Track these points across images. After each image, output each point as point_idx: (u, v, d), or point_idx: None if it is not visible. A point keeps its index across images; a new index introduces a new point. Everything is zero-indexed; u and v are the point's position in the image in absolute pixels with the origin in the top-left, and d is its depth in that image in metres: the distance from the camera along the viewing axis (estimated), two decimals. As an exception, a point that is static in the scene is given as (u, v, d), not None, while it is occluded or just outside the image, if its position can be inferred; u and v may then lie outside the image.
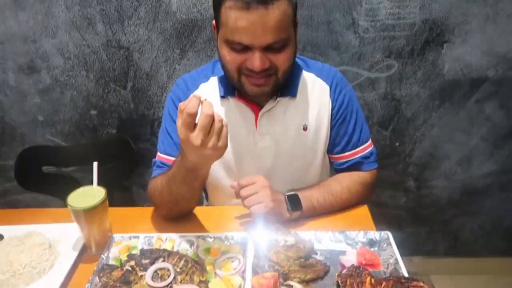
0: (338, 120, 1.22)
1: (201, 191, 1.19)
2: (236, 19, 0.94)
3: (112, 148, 1.85)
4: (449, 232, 2.17)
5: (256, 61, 0.99)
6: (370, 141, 1.27)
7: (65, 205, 1.81)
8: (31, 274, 0.97)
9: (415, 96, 1.78)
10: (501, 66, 1.70)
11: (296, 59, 1.21)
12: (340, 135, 1.23)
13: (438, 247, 2.23)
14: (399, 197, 2.06)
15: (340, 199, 1.17)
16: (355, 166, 1.25)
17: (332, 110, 1.21)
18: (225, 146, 0.90)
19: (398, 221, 2.14)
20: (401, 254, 2.34)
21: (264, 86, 1.07)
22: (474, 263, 2.23)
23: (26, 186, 1.70)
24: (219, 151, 0.90)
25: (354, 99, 1.25)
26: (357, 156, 1.24)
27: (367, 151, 1.25)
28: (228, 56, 1.03)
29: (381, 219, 2.09)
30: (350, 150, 1.24)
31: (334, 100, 1.21)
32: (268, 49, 0.99)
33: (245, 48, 0.99)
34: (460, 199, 2.04)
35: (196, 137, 0.84)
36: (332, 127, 1.23)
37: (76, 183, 1.82)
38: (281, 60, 1.03)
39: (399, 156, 1.94)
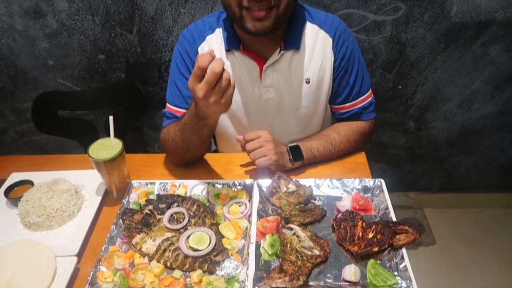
0: (340, 72, 1.26)
1: (210, 139, 1.27)
2: None
3: (122, 92, 1.91)
4: (445, 170, 2.28)
5: None
6: (370, 91, 1.32)
7: (80, 147, 1.93)
8: (62, 217, 1.10)
9: (420, 39, 1.78)
10: (510, 8, 1.67)
11: (300, 7, 1.23)
12: (341, 87, 1.28)
13: (433, 183, 2.36)
14: (399, 137, 2.14)
15: (339, 148, 1.25)
16: (355, 115, 1.32)
17: (334, 62, 1.24)
18: (228, 103, 0.96)
19: (397, 159, 2.24)
20: (398, 190, 2.49)
21: (264, 21, 1.07)
22: (466, 198, 2.38)
23: (43, 129, 1.80)
24: (222, 107, 0.97)
25: (356, 49, 1.27)
26: (357, 106, 1.30)
27: (367, 101, 1.30)
28: None
29: (381, 158, 2.20)
30: (351, 101, 1.30)
31: (336, 52, 1.24)
32: None
33: None
34: (457, 139, 2.12)
35: (200, 89, 0.91)
36: (334, 79, 1.27)
37: (89, 125, 1.92)
38: None
39: (401, 98, 1.99)
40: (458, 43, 1.78)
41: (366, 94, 1.31)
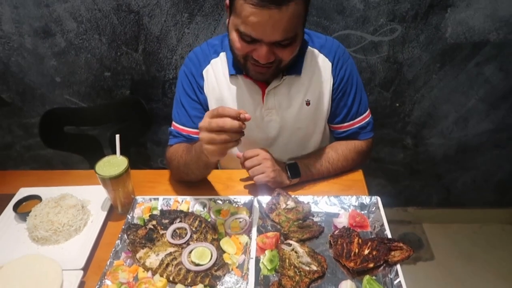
0: (338, 94, 1.30)
1: (209, 172, 1.32)
2: (250, 14, 0.98)
3: (127, 109, 1.97)
4: (443, 185, 2.32)
5: (262, 54, 1.06)
6: (368, 111, 1.36)
7: (85, 161, 1.98)
8: (69, 232, 1.13)
9: (416, 59, 1.83)
10: (503, 30, 1.72)
11: None
12: (340, 107, 1.33)
13: (431, 199, 2.39)
14: (397, 153, 2.19)
15: (336, 166, 1.29)
16: (353, 135, 1.36)
17: (333, 85, 1.29)
18: (222, 154, 1.04)
19: (395, 175, 2.28)
20: (397, 205, 2.52)
21: (265, 74, 1.17)
22: (464, 213, 2.41)
23: (50, 145, 1.85)
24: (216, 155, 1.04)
25: (354, 72, 1.32)
26: (354, 126, 1.34)
27: (364, 121, 1.35)
28: (237, 43, 1.09)
29: (379, 174, 2.24)
30: (349, 121, 1.34)
31: (335, 75, 1.29)
32: (275, 44, 1.06)
33: (254, 40, 1.05)
34: (455, 155, 2.16)
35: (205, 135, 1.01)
36: (333, 100, 1.32)
37: (94, 140, 1.97)
38: (286, 54, 1.10)
39: (398, 115, 2.03)
40: (454, 62, 1.84)
41: (364, 115, 1.35)
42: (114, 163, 1.17)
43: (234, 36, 1.09)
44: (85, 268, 1.04)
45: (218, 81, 1.29)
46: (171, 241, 1.08)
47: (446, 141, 2.11)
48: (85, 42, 1.85)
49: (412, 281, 2.09)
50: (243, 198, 1.21)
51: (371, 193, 1.25)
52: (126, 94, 2.02)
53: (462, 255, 2.26)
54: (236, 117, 0.97)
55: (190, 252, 1.04)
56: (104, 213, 1.21)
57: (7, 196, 1.28)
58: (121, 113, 1.96)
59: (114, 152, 1.19)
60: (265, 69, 1.13)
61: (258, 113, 1.30)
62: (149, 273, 1.01)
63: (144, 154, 2.25)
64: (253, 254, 1.02)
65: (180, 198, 1.24)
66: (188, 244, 1.07)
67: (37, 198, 1.25)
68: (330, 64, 1.28)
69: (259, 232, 1.10)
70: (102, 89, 2.00)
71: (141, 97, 1.95)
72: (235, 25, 1.06)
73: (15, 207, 1.21)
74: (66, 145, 1.92)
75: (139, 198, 1.23)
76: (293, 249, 1.03)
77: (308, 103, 1.29)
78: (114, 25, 1.80)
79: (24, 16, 1.78)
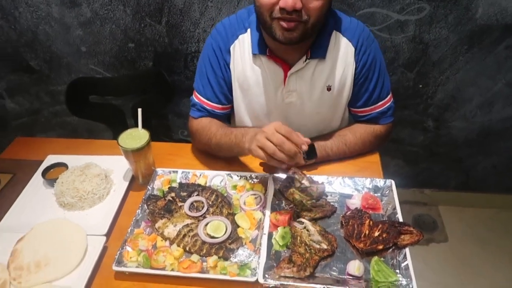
0: (360, 79, 1.28)
1: None
2: None
3: (149, 80, 2.00)
4: (462, 169, 2.29)
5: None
6: (389, 95, 1.34)
7: (108, 129, 2.04)
8: (93, 199, 1.20)
9: (443, 40, 1.78)
10: (538, 12, 1.65)
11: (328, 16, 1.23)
12: (361, 92, 1.31)
13: (449, 182, 2.38)
14: (417, 135, 2.17)
15: (353, 149, 1.30)
16: (373, 119, 1.34)
17: (355, 69, 1.27)
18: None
19: (414, 156, 2.27)
20: (413, 186, 2.51)
21: (292, 32, 1.10)
22: (482, 198, 2.38)
23: (76, 113, 1.92)
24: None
25: (378, 56, 1.29)
26: (375, 111, 1.33)
27: (385, 106, 1.33)
28: None
29: (398, 154, 2.24)
30: (370, 106, 1.32)
31: (358, 60, 1.26)
32: None
33: None
34: (476, 139, 2.12)
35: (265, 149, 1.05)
36: (354, 85, 1.30)
37: (117, 110, 2.03)
38: (314, 6, 1.05)
39: (421, 97, 2.00)
40: (482, 45, 1.78)
41: (386, 99, 1.33)
42: (136, 136, 1.21)
43: None
44: (108, 234, 1.10)
45: (243, 59, 1.28)
46: (189, 213, 1.13)
47: (468, 124, 2.07)
48: (110, 12, 1.87)
49: (424, 263, 2.12)
50: (259, 175, 1.25)
51: (388, 173, 1.27)
52: (149, 65, 2.04)
53: (476, 240, 2.25)
54: (297, 144, 1.03)
55: (206, 224, 1.09)
56: (126, 183, 1.26)
57: (36, 162, 1.35)
58: (143, 85, 2.00)
59: (137, 124, 1.23)
60: (292, 24, 1.07)
61: (278, 94, 1.30)
62: (167, 242, 1.06)
63: (165, 125, 2.30)
64: (266, 230, 1.06)
65: (198, 172, 1.28)
66: (205, 217, 1.12)
67: (63, 165, 1.31)
68: (353, 48, 1.25)
69: (273, 209, 1.13)
70: (125, 60, 2.04)
71: (163, 69, 1.98)
72: None
73: (44, 174, 1.28)
74: (91, 114, 1.99)
75: (159, 170, 1.28)
76: (305, 227, 1.07)
77: (329, 88, 1.28)
78: (138, -4, 1.81)
79: (51, -15, 1.81)
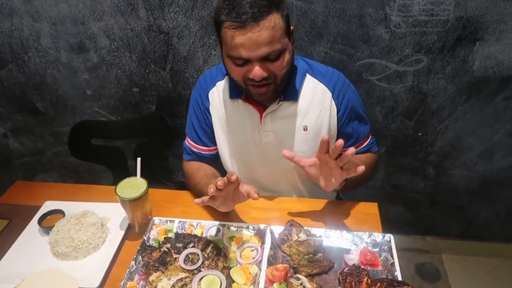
0: (344, 121, 1.37)
1: None
2: (234, 37, 1.07)
3: (151, 124, 2.03)
4: (464, 217, 2.26)
5: (256, 72, 1.12)
6: (368, 133, 1.46)
7: (109, 171, 2.04)
8: (88, 249, 1.19)
9: (441, 90, 1.81)
10: (534, 65, 1.69)
11: (302, 62, 1.34)
12: (347, 134, 1.39)
13: (452, 229, 2.34)
14: (418, 182, 2.16)
15: (364, 174, 1.26)
16: (365, 151, 1.47)
17: (338, 113, 1.35)
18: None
19: (415, 203, 2.24)
20: (415, 233, 2.47)
21: (265, 93, 1.21)
22: (485, 247, 2.33)
23: (78, 155, 1.93)
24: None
25: (356, 99, 1.39)
26: (365, 143, 1.45)
27: (366, 143, 1.45)
28: (233, 69, 1.17)
29: (399, 201, 2.22)
30: (358, 142, 1.43)
31: (338, 103, 1.34)
32: (265, 59, 1.12)
33: (246, 61, 1.13)
34: (478, 188, 2.11)
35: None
36: (339, 128, 1.38)
37: (119, 152, 2.04)
38: (278, 67, 1.15)
39: (421, 145, 2.01)
40: (480, 95, 1.80)
41: (366, 138, 1.45)
42: (134, 185, 1.21)
43: (229, 63, 1.17)
44: (100, 286, 1.08)
45: (221, 104, 1.37)
46: (183, 266, 1.11)
47: (469, 173, 2.06)
48: (116, 58, 1.93)
49: (427, 314, 2.04)
50: (257, 226, 1.24)
51: (388, 220, 1.27)
52: (152, 109, 2.08)
53: (481, 290, 2.19)
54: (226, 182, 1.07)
55: (201, 279, 1.07)
56: (122, 232, 1.26)
57: (34, 208, 1.35)
58: (146, 128, 2.03)
59: (135, 171, 1.24)
60: (264, 88, 1.18)
61: (256, 135, 1.36)
62: (160, 297, 1.04)
63: (165, 167, 2.30)
64: (261, 286, 1.04)
65: (195, 222, 1.27)
66: (200, 271, 1.10)
67: (60, 212, 1.31)
68: (330, 93, 1.33)
69: (269, 263, 1.11)
70: (129, 104, 2.08)
71: (166, 113, 2.01)
72: (226, 53, 1.15)
73: (40, 221, 1.28)
74: (92, 157, 2.00)
75: (156, 219, 1.27)
76: (301, 284, 1.05)
77: (305, 129, 1.34)
78: (144, 44, 1.87)
79: (61, 32, 1.88)
